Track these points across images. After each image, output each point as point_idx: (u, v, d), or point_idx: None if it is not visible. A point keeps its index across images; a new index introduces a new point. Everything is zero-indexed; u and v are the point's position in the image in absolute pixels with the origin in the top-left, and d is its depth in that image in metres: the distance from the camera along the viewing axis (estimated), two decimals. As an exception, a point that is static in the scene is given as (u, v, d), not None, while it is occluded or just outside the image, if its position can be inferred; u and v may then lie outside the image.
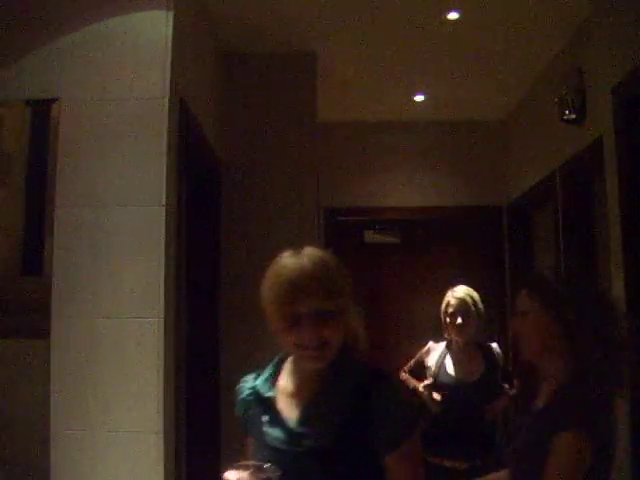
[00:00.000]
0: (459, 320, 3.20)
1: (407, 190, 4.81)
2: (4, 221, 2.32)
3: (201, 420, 3.15)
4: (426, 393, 3.22)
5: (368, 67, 3.91)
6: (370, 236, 4.90)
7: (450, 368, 3.24)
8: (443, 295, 3.33)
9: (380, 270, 4.82)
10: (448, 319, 3.25)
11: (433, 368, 3.29)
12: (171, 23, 2.43)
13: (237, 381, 1.59)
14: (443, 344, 3.33)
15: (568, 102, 3.35)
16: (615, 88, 2.51)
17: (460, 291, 3.27)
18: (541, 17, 3.24)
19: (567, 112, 3.37)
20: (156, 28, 2.42)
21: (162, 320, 2.28)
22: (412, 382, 3.34)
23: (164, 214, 2.33)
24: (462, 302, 3.22)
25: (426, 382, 3.26)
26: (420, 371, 3.42)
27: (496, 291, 4.69)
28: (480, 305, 3.26)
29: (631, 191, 2.44)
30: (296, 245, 1.49)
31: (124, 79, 2.39)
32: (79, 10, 2.42)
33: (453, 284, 3.34)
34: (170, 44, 2.42)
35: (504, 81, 4.10)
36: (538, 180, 3.99)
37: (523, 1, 3.11)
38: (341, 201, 4.75)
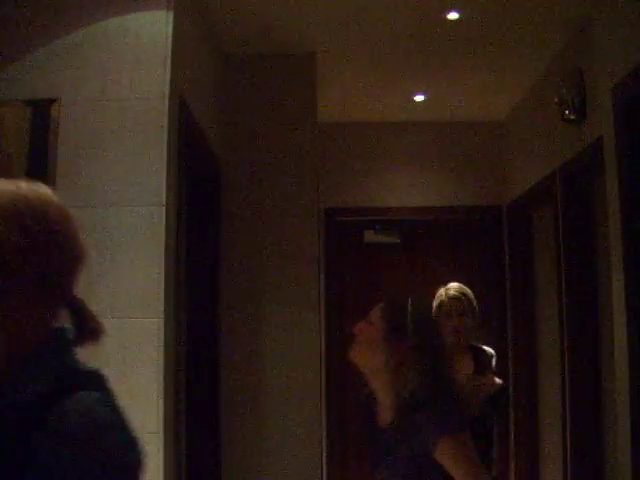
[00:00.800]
0: (455, 321, 2.98)
1: (407, 190, 4.81)
2: (4, 221, 2.32)
3: (201, 420, 3.16)
4: None
5: (368, 67, 3.91)
6: (370, 236, 4.90)
7: None
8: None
9: (380, 270, 4.82)
10: (442, 320, 2.96)
11: None
12: (171, 23, 2.43)
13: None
14: None
15: (568, 102, 3.35)
16: (615, 88, 2.51)
17: (454, 289, 3.04)
18: (541, 17, 3.24)
19: (567, 112, 3.37)
20: (156, 28, 2.42)
21: (162, 320, 2.28)
22: None
23: (164, 214, 2.33)
24: (457, 301, 3.00)
25: None
26: None
27: (496, 291, 4.69)
28: (475, 304, 3.05)
29: (631, 191, 2.44)
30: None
31: (124, 79, 2.39)
32: (79, 10, 2.42)
33: (445, 282, 3.13)
34: (170, 44, 2.42)
35: (504, 81, 4.10)
36: (538, 180, 3.99)
37: (523, 1, 3.11)
38: (341, 201, 4.75)
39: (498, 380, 3.03)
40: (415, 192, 4.80)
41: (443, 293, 3.07)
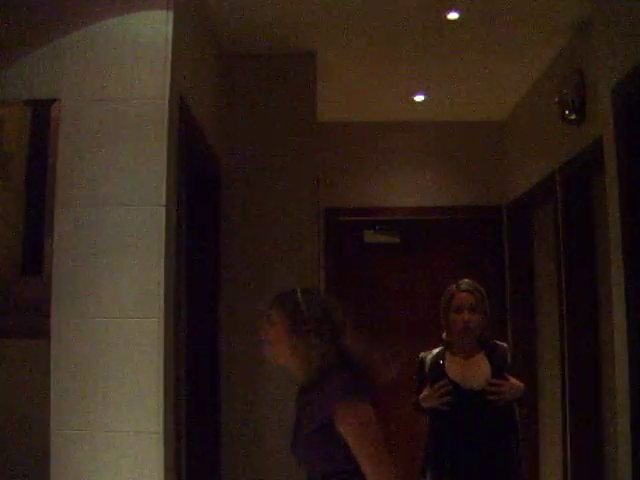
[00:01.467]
0: (466, 316, 2.85)
1: (407, 190, 4.81)
2: (4, 221, 2.32)
3: (201, 420, 3.15)
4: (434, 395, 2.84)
5: (368, 67, 3.91)
6: (370, 236, 4.90)
7: (451, 375, 2.85)
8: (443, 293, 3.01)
9: (380, 270, 4.82)
10: (452, 316, 2.88)
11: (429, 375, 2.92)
12: (171, 23, 2.43)
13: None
14: (435, 350, 2.97)
15: (568, 102, 3.35)
16: (615, 88, 2.51)
17: (465, 284, 2.93)
18: (541, 17, 3.24)
19: (567, 112, 3.37)
20: (156, 28, 2.42)
21: (162, 320, 2.28)
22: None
23: (164, 214, 2.33)
24: (468, 294, 2.88)
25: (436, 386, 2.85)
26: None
27: (496, 291, 4.68)
28: (486, 301, 2.92)
29: (631, 191, 2.44)
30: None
31: (124, 79, 2.39)
32: (79, 10, 2.42)
33: (457, 278, 3.01)
34: (170, 44, 2.41)
35: (504, 81, 4.10)
36: (538, 180, 3.99)
37: (523, 1, 3.11)
38: (341, 201, 4.75)
39: (519, 383, 2.89)
40: (415, 192, 4.80)
41: (454, 287, 2.96)
